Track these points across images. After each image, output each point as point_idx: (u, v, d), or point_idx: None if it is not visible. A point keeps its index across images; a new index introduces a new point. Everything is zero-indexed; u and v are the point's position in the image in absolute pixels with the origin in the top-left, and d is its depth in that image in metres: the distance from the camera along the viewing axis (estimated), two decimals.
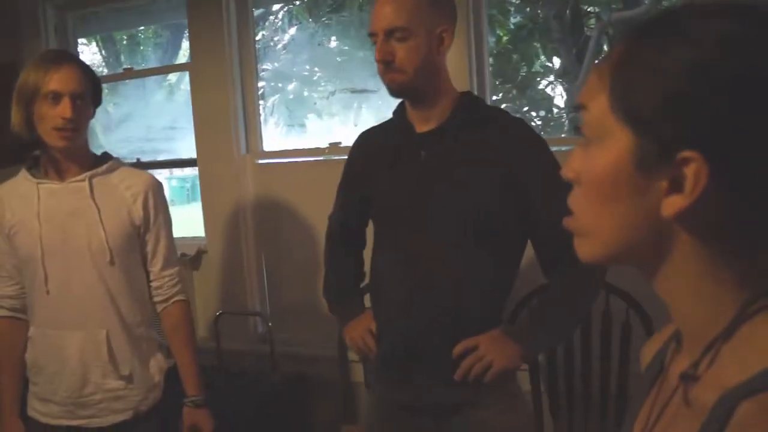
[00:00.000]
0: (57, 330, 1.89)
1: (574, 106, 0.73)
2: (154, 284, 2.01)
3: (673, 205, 0.63)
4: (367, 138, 1.92)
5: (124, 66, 3.56)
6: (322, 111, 3.69)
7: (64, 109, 1.79)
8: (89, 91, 1.88)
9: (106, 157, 2.00)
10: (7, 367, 1.97)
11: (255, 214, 3.18)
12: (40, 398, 1.94)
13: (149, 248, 1.99)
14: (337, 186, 2.01)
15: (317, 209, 2.63)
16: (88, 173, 1.91)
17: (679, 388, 0.70)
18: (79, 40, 3.77)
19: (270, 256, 3.20)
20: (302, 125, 3.78)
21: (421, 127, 1.71)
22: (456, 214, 1.65)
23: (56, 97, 1.80)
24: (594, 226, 0.70)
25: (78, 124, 1.84)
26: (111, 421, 1.93)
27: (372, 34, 1.64)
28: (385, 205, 1.78)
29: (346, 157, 1.98)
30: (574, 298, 1.70)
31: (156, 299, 2.03)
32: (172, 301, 2.02)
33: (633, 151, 0.65)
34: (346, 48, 3.65)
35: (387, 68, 1.63)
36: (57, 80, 1.80)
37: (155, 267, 2.00)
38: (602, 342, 2.34)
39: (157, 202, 1.99)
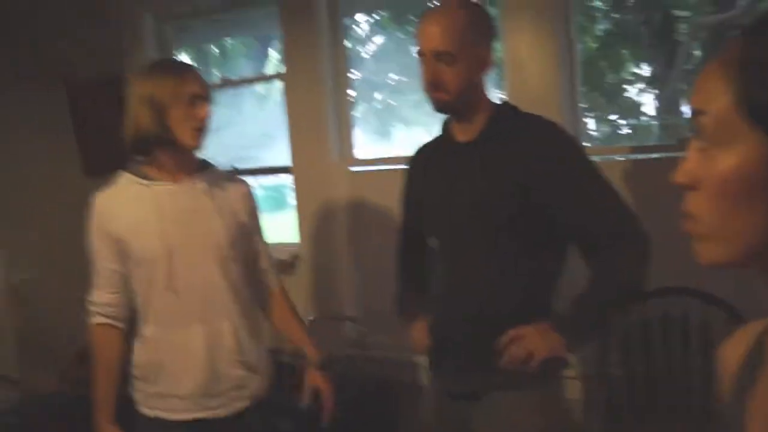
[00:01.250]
0: (181, 327, 1.93)
1: (691, 111, 0.71)
2: (262, 279, 2.13)
3: None
4: (420, 151, 2.06)
5: (217, 76, 3.66)
6: (409, 119, 3.73)
7: (203, 110, 1.90)
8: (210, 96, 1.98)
9: (207, 162, 2.07)
10: (103, 374, 2.00)
11: (348, 219, 3.23)
12: (162, 396, 1.97)
13: (255, 247, 2.10)
14: None
15: None
16: (201, 174, 1.99)
17: None
18: (174, 52, 3.89)
19: (362, 262, 3.24)
20: (388, 134, 3.83)
21: (461, 138, 1.85)
22: (488, 219, 1.77)
23: (195, 99, 1.89)
24: (721, 229, 0.69)
25: (209, 126, 1.94)
26: (235, 409, 1.98)
27: (420, 54, 1.77)
28: (428, 212, 1.93)
29: None
30: (614, 285, 1.75)
31: (265, 292, 2.16)
32: (278, 289, 2.16)
33: (766, 152, 0.64)
34: None
35: (434, 88, 1.76)
36: (196, 85, 1.90)
37: (263, 264, 2.13)
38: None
39: (255, 206, 2.12)
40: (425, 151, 2.03)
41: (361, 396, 2.92)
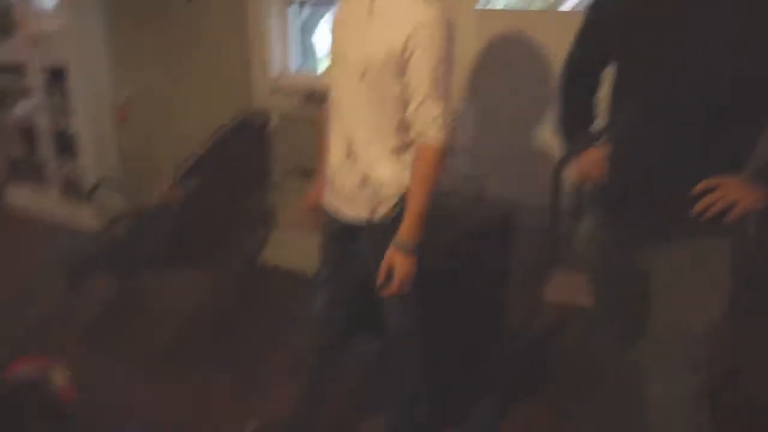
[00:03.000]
0: (331, 129, 2.09)
1: None
2: (408, 118, 1.97)
3: None
4: None
5: None
6: None
7: None
8: None
9: None
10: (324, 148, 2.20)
11: (477, 56, 3.12)
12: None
13: (407, 81, 1.93)
14: (574, 33, 1.95)
15: (536, 59, 2.69)
16: None
17: None
18: None
19: (488, 91, 3.14)
20: None
21: None
22: (711, 74, 1.61)
23: None
24: None
25: None
26: (348, 217, 2.10)
27: None
28: (642, 57, 1.73)
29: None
30: None
31: (411, 134, 2.00)
32: (420, 140, 1.96)
33: None
34: None
35: None
36: None
37: (411, 103, 1.95)
38: None
39: (427, 39, 1.87)
40: None
41: (474, 233, 2.86)
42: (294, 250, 3.99)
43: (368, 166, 2.01)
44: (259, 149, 3.73)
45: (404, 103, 1.94)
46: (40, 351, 3.06)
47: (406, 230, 1.96)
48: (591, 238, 1.99)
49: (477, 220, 2.90)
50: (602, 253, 1.94)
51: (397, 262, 1.97)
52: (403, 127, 1.98)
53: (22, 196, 5.44)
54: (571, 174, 1.96)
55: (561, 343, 2.96)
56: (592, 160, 1.85)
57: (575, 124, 2.01)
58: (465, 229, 2.83)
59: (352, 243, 2.15)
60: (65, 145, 4.88)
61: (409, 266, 1.97)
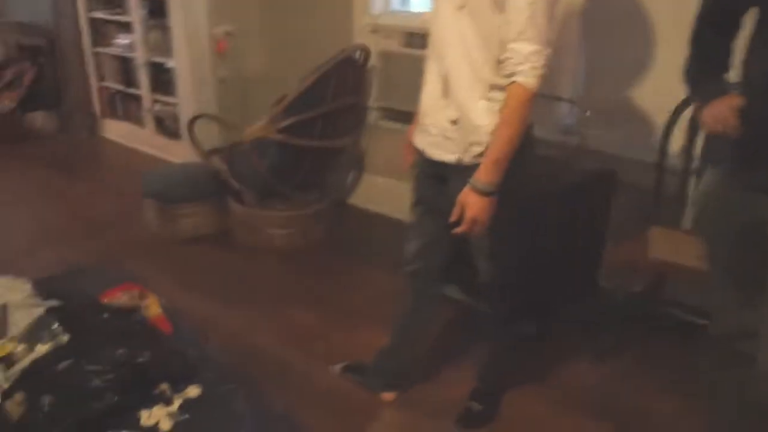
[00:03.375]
0: (427, 68, 2.05)
1: None
2: (503, 55, 1.87)
3: None
4: None
5: None
6: None
7: None
8: None
9: None
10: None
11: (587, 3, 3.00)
12: None
13: (506, 17, 1.83)
14: None
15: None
16: None
17: None
18: None
19: (594, 44, 3.01)
20: None
21: None
22: None
23: None
24: None
25: None
26: (439, 157, 2.05)
27: None
28: None
29: None
30: None
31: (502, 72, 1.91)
32: (510, 79, 1.86)
33: None
34: None
35: None
36: None
37: (506, 38, 1.84)
38: None
39: None
40: None
41: (575, 184, 2.78)
42: (384, 193, 3.99)
43: (464, 106, 1.95)
44: (358, 87, 3.71)
45: (503, 42, 1.86)
46: (135, 277, 3.16)
47: (485, 170, 1.89)
48: (713, 194, 1.89)
49: (578, 172, 2.82)
50: (727, 210, 1.83)
51: (470, 201, 1.91)
52: (501, 67, 1.91)
53: (119, 130, 5.60)
54: (700, 122, 1.82)
55: (657, 301, 2.87)
56: (726, 110, 1.71)
57: (707, 70, 1.88)
58: (565, 180, 2.76)
59: (443, 183, 2.11)
60: (163, 79, 4.98)
61: (481, 207, 1.91)
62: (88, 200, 4.44)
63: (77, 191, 4.62)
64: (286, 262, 3.57)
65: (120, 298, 2.85)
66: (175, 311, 2.90)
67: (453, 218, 1.96)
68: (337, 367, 2.60)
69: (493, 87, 1.90)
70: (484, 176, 1.89)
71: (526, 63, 1.81)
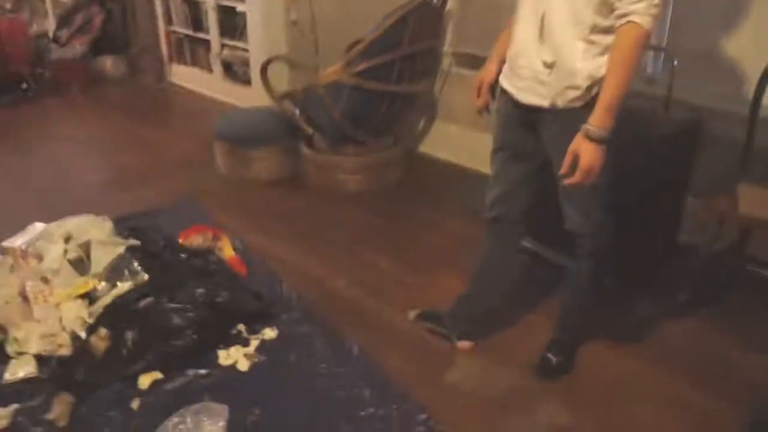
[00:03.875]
0: (521, 9, 1.97)
1: None
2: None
3: None
4: None
5: None
6: None
7: None
8: None
9: None
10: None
11: None
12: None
13: None
14: None
15: None
16: None
17: None
18: None
19: None
20: None
21: None
22: None
23: None
24: None
25: None
26: (530, 102, 1.98)
27: None
28: None
29: None
30: None
31: (611, 18, 1.81)
32: (625, 19, 1.76)
33: None
34: None
35: None
36: None
37: None
38: None
39: None
40: None
41: (663, 135, 2.67)
42: (455, 141, 3.92)
43: (561, 48, 1.86)
44: (435, 31, 3.62)
45: None
46: (210, 219, 3.20)
47: (599, 116, 1.81)
48: None
49: (663, 124, 2.71)
50: None
51: (585, 149, 1.82)
52: (605, 8, 1.81)
53: (186, 75, 5.63)
54: None
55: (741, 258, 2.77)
56: None
57: None
58: (649, 132, 2.65)
59: (531, 129, 2.03)
60: (232, 24, 4.96)
61: (595, 155, 1.83)
62: (159, 142, 4.49)
63: (148, 133, 4.69)
64: (359, 207, 3.54)
65: (195, 239, 2.90)
66: (250, 253, 2.94)
67: (564, 169, 1.86)
68: (412, 314, 2.58)
69: (594, 29, 1.81)
70: (599, 123, 1.81)
71: (643, 1, 1.72)
